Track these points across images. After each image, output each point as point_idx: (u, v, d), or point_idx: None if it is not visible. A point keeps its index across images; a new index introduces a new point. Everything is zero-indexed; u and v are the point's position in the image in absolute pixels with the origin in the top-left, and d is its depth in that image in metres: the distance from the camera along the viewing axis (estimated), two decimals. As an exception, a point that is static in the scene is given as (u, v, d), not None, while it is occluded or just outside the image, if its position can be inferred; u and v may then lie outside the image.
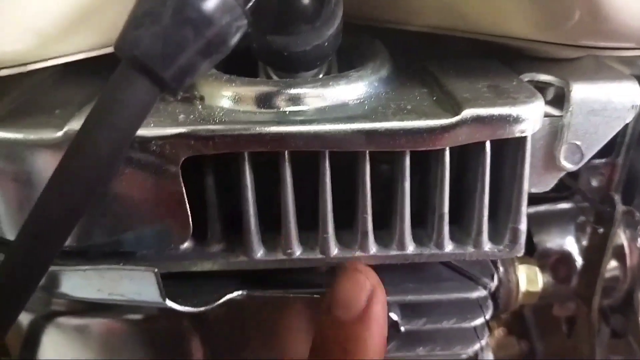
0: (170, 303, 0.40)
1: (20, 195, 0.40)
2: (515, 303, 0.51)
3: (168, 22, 0.27)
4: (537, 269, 0.51)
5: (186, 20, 0.27)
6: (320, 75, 0.46)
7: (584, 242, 0.56)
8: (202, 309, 0.41)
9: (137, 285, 0.39)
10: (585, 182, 0.57)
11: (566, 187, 0.56)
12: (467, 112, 0.37)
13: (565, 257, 0.55)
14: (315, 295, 0.43)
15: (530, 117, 0.38)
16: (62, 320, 0.46)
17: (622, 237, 0.54)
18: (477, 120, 0.37)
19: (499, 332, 0.72)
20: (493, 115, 0.37)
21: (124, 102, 0.28)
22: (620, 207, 0.51)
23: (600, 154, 0.53)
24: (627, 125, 0.51)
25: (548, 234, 0.56)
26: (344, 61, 0.49)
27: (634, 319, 0.56)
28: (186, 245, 0.42)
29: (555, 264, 0.55)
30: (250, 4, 0.30)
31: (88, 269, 0.39)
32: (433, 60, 0.46)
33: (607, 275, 0.55)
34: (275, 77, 0.45)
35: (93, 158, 0.29)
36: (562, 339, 0.65)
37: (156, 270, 0.39)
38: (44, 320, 0.46)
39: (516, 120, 0.38)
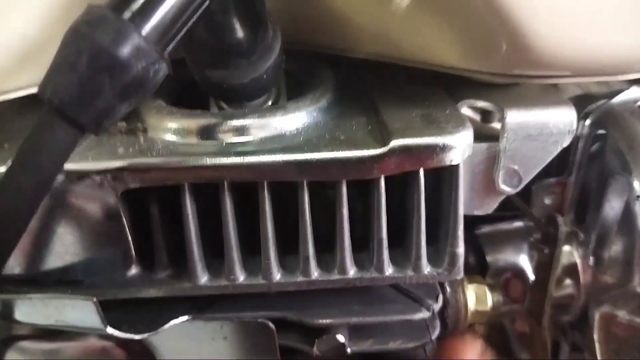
0: (111, 330, 0.41)
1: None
2: (465, 322, 0.52)
3: (84, 69, 0.28)
4: (486, 288, 0.52)
5: (101, 67, 0.29)
6: (269, 103, 0.47)
7: (539, 260, 0.57)
8: (144, 335, 0.42)
9: (80, 313, 0.40)
10: (539, 201, 0.58)
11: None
12: (395, 143, 0.38)
13: (518, 275, 0.56)
14: (259, 320, 0.43)
15: (458, 145, 0.39)
16: (24, 344, 0.47)
17: (574, 255, 0.55)
18: (405, 150, 0.38)
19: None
20: (420, 145, 0.39)
21: (46, 145, 0.30)
22: (563, 228, 0.52)
23: (552, 173, 0.54)
24: (577, 144, 0.52)
25: (501, 253, 0.57)
26: (295, 87, 0.51)
27: (589, 334, 0.57)
28: (133, 272, 0.43)
29: (508, 282, 0.56)
30: (169, 48, 0.31)
31: (33, 297, 0.40)
32: (378, 87, 0.47)
33: (562, 293, 0.56)
34: (225, 106, 0.46)
35: (18, 199, 0.30)
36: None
37: (95, 299, 0.40)
38: (5, 345, 0.47)
39: (443, 149, 0.39)
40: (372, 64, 0.48)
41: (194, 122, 0.41)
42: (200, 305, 0.45)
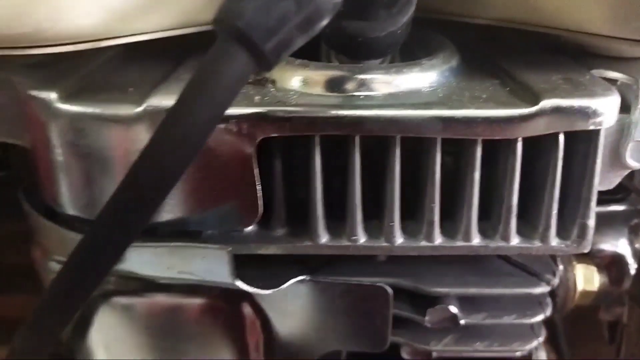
0: (240, 283, 0.40)
1: (88, 170, 0.40)
2: (572, 303, 0.50)
3: (270, -6, 0.27)
4: (594, 268, 0.51)
5: (289, -8, 0.27)
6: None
7: (637, 245, 0.56)
8: (269, 291, 0.41)
9: (209, 264, 0.39)
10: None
11: (622, 188, 0.55)
12: (547, 103, 0.37)
13: (618, 259, 0.55)
14: (377, 284, 0.42)
15: (606, 110, 0.38)
16: (117, 300, 0.46)
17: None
18: (556, 110, 0.37)
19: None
20: (572, 107, 0.37)
21: (222, 74, 0.28)
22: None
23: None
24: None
25: (601, 235, 0.55)
26: (405, 54, 0.49)
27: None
28: (251, 228, 0.42)
29: (609, 265, 0.54)
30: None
31: (160, 246, 0.39)
32: (501, 53, 0.46)
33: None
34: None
35: (190, 127, 0.29)
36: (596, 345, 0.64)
37: (230, 249, 0.39)
38: (98, 300, 0.46)
39: (594, 113, 0.37)
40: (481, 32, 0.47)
41: (327, 74, 0.40)
42: (314, 267, 0.44)
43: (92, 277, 0.36)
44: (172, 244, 0.39)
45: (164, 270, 0.40)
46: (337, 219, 0.42)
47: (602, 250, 0.54)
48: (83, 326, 0.47)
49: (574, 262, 0.50)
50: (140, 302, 0.44)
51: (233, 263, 0.39)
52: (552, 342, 0.83)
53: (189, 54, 0.45)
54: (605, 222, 0.56)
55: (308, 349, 0.46)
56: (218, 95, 0.28)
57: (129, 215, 0.31)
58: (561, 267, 0.47)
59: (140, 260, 0.40)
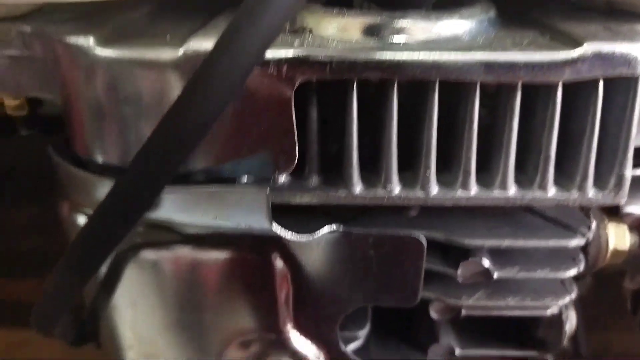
0: (276, 228, 0.40)
1: (124, 116, 0.40)
2: (603, 261, 0.50)
3: None
4: (626, 227, 0.50)
5: None
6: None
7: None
8: (303, 237, 0.40)
9: (245, 208, 0.39)
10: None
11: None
12: (589, 46, 0.37)
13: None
14: (412, 235, 0.42)
15: (648, 58, 0.37)
16: (146, 253, 0.45)
17: None
18: (598, 55, 0.37)
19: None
20: (614, 52, 0.37)
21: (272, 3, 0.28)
22: None
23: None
24: None
25: (631, 198, 0.55)
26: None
27: None
28: (285, 178, 0.42)
29: (639, 228, 0.54)
30: None
31: (196, 190, 0.39)
32: (533, 9, 0.46)
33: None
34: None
35: (237, 56, 0.29)
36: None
37: (267, 191, 0.38)
38: (127, 254, 0.46)
39: (635, 60, 0.37)
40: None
41: (364, 20, 0.40)
42: (347, 219, 0.44)
43: (127, 219, 0.36)
44: (209, 188, 0.39)
45: (199, 216, 0.40)
46: (371, 171, 0.42)
47: (631, 214, 0.54)
48: (110, 283, 0.47)
49: (606, 221, 0.50)
50: (169, 255, 0.44)
51: (269, 206, 0.39)
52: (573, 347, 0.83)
53: (225, 7, 0.44)
54: (636, 186, 0.55)
55: (337, 304, 0.46)
56: (268, 21, 0.28)
57: (165, 157, 0.31)
58: (594, 223, 0.47)
59: (175, 206, 0.40)
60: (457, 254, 0.45)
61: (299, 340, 0.47)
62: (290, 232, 0.40)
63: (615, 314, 1.07)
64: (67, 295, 0.40)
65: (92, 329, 0.52)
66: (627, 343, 1.05)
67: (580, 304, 0.91)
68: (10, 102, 0.48)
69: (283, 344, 0.47)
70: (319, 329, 0.47)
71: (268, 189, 0.38)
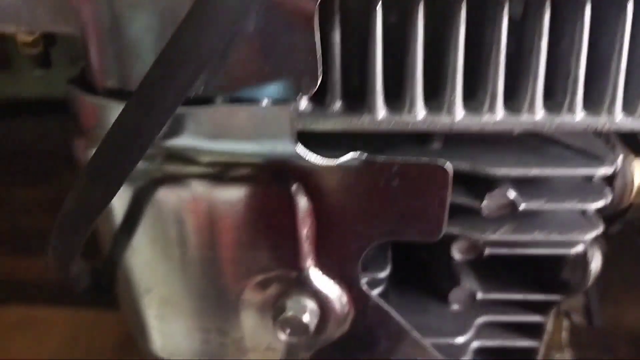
0: (300, 149, 0.38)
1: (141, 37, 0.39)
2: (628, 199, 0.49)
3: None
4: (651, 164, 0.49)
5: None
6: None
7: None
8: (328, 163, 0.39)
9: (269, 129, 0.38)
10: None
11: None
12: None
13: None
14: (437, 164, 0.41)
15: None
16: (164, 188, 0.44)
17: None
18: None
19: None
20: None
21: None
22: None
23: None
24: None
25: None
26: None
27: None
28: (306, 104, 0.41)
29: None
30: None
31: (218, 110, 0.38)
32: None
33: None
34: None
35: None
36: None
37: (292, 107, 0.37)
38: (146, 190, 0.44)
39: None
40: None
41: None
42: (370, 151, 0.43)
43: (142, 138, 0.35)
44: (231, 107, 0.38)
45: (220, 141, 0.39)
46: (395, 98, 0.41)
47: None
48: (128, 222, 0.46)
49: (632, 156, 0.49)
50: (188, 189, 0.43)
51: (294, 126, 0.38)
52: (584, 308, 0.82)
53: None
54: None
55: (360, 239, 0.44)
56: None
57: (177, 72, 0.30)
58: (621, 155, 0.46)
59: (196, 130, 0.39)
60: (482, 186, 0.44)
61: (320, 279, 0.46)
62: (314, 154, 0.39)
63: (626, 288, 1.06)
64: (84, 221, 0.39)
65: (107, 278, 0.51)
66: (639, 316, 1.04)
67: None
68: (24, 39, 0.47)
69: (304, 283, 0.46)
70: (341, 267, 0.46)
71: (292, 106, 0.37)
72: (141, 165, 0.40)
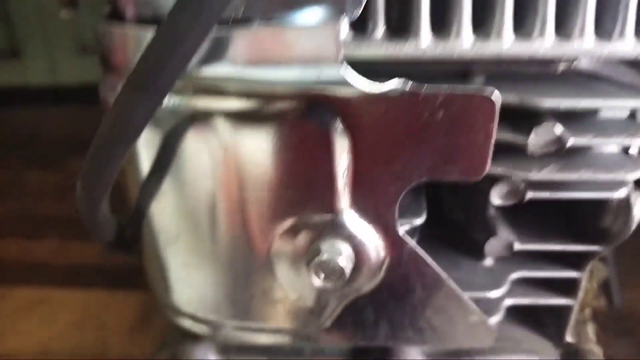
0: (347, 72, 0.36)
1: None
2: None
3: None
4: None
5: None
6: None
7: None
8: (373, 89, 0.38)
9: (316, 49, 0.36)
10: None
11: None
12: None
13: None
14: (483, 94, 0.39)
15: None
16: (195, 125, 0.42)
17: None
18: None
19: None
20: None
21: None
22: None
23: None
24: None
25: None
26: None
27: None
28: (349, 31, 0.39)
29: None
30: None
31: (262, 29, 0.36)
32: None
33: None
34: None
35: None
36: None
37: (339, 27, 0.35)
38: (173, 128, 0.43)
39: None
40: None
41: None
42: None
43: (176, 59, 0.33)
44: (274, 28, 0.36)
45: (258, 65, 0.37)
46: (441, 26, 0.39)
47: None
48: (158, 163, 0.44)
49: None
50: (218, 126, 0.41)
51: (340, 46, 0.36)
52: (604, 288, 0.81)
53: None
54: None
55: (399, 179, 0.43)
56: None
57: None
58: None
59: (233, 54, 0.37)
60: (527, 122, 0.42)
61: (355, 223, 0.44)
62: (361, 79, 0.37)
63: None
64: (122, 142, 0.37)
65: (132, 229, 0.50)
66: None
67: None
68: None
69: (338, 227, 0.44)
70: (378, 210, 0.44)
71: (339, 26, 0.35)
72: (169, 101, 0.39)
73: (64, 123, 1.62)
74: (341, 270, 0.43)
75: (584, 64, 0.46)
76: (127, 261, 1.13)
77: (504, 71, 0.41)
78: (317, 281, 0.44)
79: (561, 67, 0.41)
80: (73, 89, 1.78)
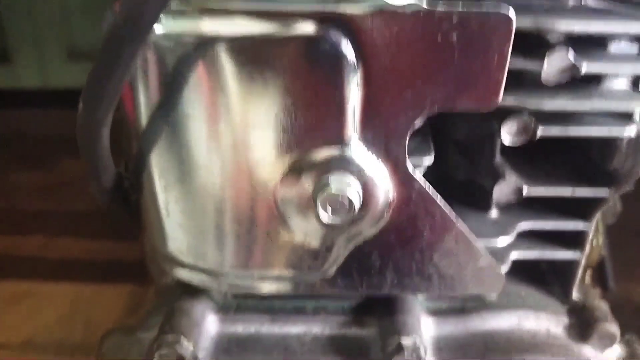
0: None
1: None
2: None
3: None
4: None
5: None
6: None
7: None
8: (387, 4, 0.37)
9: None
10: None
11: None
12: None
13: None
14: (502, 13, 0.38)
15: None
16: (199, 55, 0.40)
17: None
18: None
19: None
20: None
21: None
22: None
23: None
24: None
25: None
26: None
27: None
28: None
29: None
30: None
31: None
32: None
33: None
34: None
35: None
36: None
37: None
38: (178, 57, 0.41)
39: None
40: None
41: None
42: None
43: None
44: None
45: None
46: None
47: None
48: (159, 98, 0.43)
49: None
50: (222, 51, 0.39)
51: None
52: (599, 278, 0.80)
53: None
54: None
55: (410, 108, 0.42)
56: None
57: None
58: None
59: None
60: (540, 50, 0.42)
61: (364, 156, 0.43)
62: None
63: (636, 264, 1.05)
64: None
65: (133, 176, 0.48)
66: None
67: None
68: None
69: (346, 161, 0.43)
70: (387, 142, 0.43)
71: None
72: (172, 26, 0.38)
73: (52, 123, 1.61)
74: (350, 203, 0.42)
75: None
76: (116, 256, 1.11)
77: (517, 2, 0.40)
78: (325, 216, 0.42)
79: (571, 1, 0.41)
80: (63, 93, 1.79)
